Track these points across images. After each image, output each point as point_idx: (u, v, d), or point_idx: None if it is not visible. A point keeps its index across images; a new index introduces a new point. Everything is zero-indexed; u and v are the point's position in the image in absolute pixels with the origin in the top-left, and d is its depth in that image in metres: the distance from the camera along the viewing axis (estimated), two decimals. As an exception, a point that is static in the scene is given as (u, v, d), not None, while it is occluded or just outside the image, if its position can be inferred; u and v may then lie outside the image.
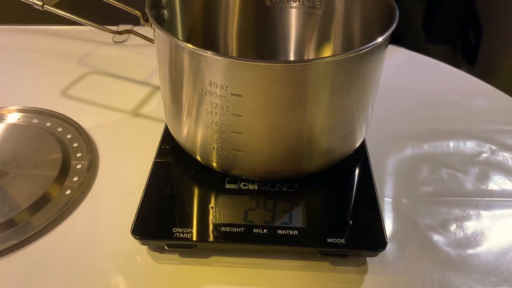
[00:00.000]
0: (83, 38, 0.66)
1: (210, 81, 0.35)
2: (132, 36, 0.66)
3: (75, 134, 0.50)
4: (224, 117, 0.37)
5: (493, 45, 1.07)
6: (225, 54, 0.33)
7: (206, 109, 0.37)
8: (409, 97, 0.57)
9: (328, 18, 0.47)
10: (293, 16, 0.49)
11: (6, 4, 0.75)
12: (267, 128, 0.37)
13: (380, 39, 0.35)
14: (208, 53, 0.34)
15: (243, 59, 0.33)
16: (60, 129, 0.50)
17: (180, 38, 0.47)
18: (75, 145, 0.48)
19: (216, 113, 0.37)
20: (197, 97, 0.37)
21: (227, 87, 0.35)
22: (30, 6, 0.49)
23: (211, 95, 0.36)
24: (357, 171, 0.44)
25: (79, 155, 0.47)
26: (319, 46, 0.49)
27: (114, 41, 0.65)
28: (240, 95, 0.35)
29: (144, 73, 0.59)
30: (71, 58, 0.62)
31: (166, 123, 0.48)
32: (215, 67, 0.34)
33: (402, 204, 0.43)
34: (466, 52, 1.14)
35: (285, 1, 0.49)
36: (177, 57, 0.37)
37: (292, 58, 0.50)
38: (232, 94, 0.35)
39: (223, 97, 0.35)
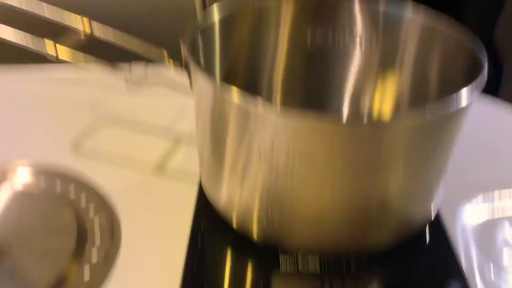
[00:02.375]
0: (94, 82, 0.59)
1: (273, 144, 0.28)
2: (147, 79, 0.60)
3: (91, 197, 0.42)
4: (286, 186, 0.30)
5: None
6: (286, 108, 0.27)
7: (262, 176, 0.30)
8: (463, 144, 0.50)
9: (389, 58, 0.41)
10: (344, 58, 0.43)
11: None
12: (339, 196, 0.30)
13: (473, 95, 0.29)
14: (267, 108, 0.27)
15: (319, 119, 0.26)
16: (72, 192, 0.43)
17: (218, 80, 0.41)
18: (92, 211, 0.41)
19: (277, 181, 0.30)
20: (249, 158, 0.30)
21: (294, 151, 0.28)
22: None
23: (272, 161, 0.29)
24: (433, 239, 0.37)
25: (96, 224, 0.40)
26: (381, 89, 0.42)
27: (127, 85, 0.59)
28: (310, 162, 0.28)
29: (164, 121, 0.53)
30: (82, 105, 0.55)
31: (199, 182, 0.41)
32: (281, 128, 0.27)
33: (489, 280, 0.36)
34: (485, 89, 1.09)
35: (328, 40, 0.43)
36: (224, 110, 0.30)
37: (347, 101, 0.44)
38: (299, 160, 0.28)
39: (288, 163, 0.29)
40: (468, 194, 0.44)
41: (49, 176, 0.44)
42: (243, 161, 0.31)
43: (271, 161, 0.29)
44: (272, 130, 0.28)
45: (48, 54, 0.38)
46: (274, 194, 0.31)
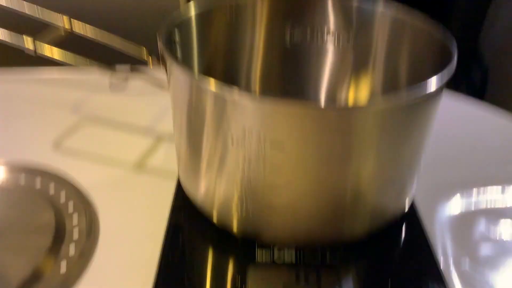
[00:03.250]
0: (76, 84, 0.59)
1: (244, 129, 0.29)
2: (130, 80, 0.60)
3: (70, 194, 0.42)
4: (259, 172, 0.30)
5: (500, 85, 1.04)
6: (261, 95, 0.28)
7: (236, 163, 0.31)
8: (443, 141, 0.51)
9: (363, 54, 0.41)
10: (320, 54, 0.43)
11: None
12: (312, 184, 0.30)
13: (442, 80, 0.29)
14: (243, 95, 0.28)
15: (290, 101, 0.27)
16: (52, 189, 0.43)
17: (194, 71, 0.41)
18: (71, 208, 0.41)
19: (249, 167, 0.30)
20: (225, 148, 0.31)
21: (265, 137, 0.28)
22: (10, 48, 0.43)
23: (244, 146, 0.29)
24: (409, 232, 0.37)
25: (75, 220, 0.39)
26: (355, 85, 0.43)
27: (111, 87, 0.59)
28: (282, 147, 0.28)
29: (145, 121, 0.53)
30: (63, 105, 0.55)
31: (178, 179, 0.42)
32: (252, 112, 0.28)
33: (465, 273, 0.36)
34: (470, 93, 1.10)
35: (305, 38, 0.44)
36: (200, 100, 0.31)
37: (323, 99, 0.44)
38: (271, 145, 0.28)
39: (260, 148, 0.29)
40: (445, 188, 0.44)
41: (29, 173, 0.44)
42: (219, 152, 0.31)
43: (245, 150, 0.29)
44: (246, 116, 0.28)
45: (26, 48, 0.38)
46: (249, 185, 0.31)
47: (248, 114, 0.28)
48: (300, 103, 0.27)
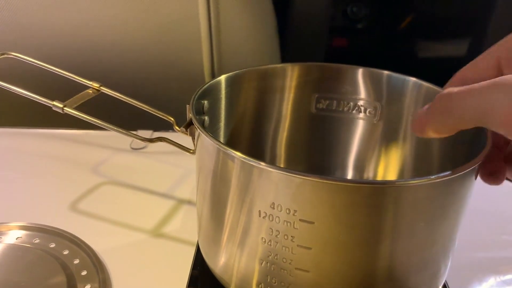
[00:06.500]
0: (98, 144, 0.59)
1: (273, 203, 0.28)
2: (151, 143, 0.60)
3: (84, 258, 0.41)
4: (287, 249, 0.29)
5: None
6: (291, 169, 0.27)
7: (262, 238, 0.29)
8: (478, 219, 0.49)
9: (392, 125, 0.41)
10: (347, 125, 0.43)
11: (11, 105, 0.71)
12: (342, 264, 0.29)
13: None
14: (275, 169, 0.27)
15: (322, 177, 0.26)
16: (66, 252, 0.41)
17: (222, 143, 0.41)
18: (84, 273, 0.39)
19: (277, 243, 0.29)
20: (252, 222, 0.30)
21: (295, 211, 0.27)
22: (38, 108, 0.43)
23: (272, 220, 0.28)
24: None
25: (88, 285, 0.38)
26: (384, 157, 0.42)
27: (132, 148, 0.59)
28: (312, 222, 0.27)
29: (165, 184, 0.52)
30: (83, 166, 0.55)
31: (196, 248, 0.40)
32: (283, 186, 0.27)
33: None
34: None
35: (333, 108, 0.44)
36: (229, 171, 0.30)
37: (351, 171, 0.44)
38: (301, 220, 0.27)
39: (289, 224, 0.28)
40: (478, 270, 0.42)
41: (44, 234, 0.43)
42: (243, 223, 0.30)
43: (271, 223, 0.28)
44: (274, 189, 0.27)
45: (55, 105, 0.38)
46: (273, 259, 0.30)
47: (274, 187, 0.27)
48: (330, 178, 0.26)
